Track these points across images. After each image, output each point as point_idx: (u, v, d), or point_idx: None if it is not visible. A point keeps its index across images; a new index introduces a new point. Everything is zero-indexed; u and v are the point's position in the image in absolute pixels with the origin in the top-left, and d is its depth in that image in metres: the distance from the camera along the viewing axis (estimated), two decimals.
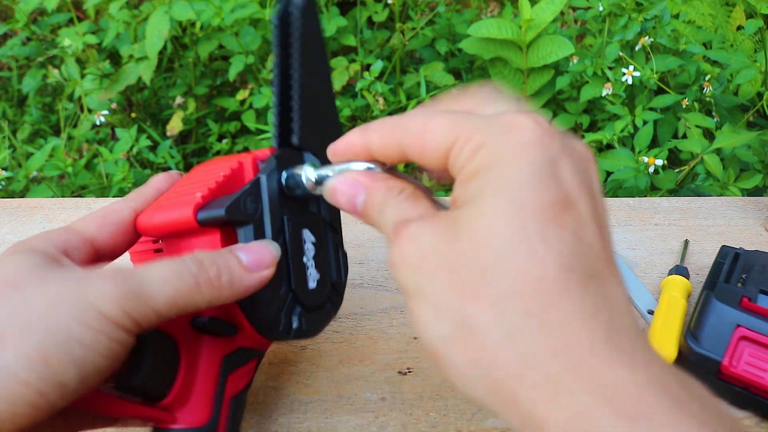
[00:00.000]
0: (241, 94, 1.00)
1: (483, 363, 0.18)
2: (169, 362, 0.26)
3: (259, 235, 0.26)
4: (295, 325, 0.27)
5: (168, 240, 0.28)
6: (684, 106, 0.82)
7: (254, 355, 0.29)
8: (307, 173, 0.26)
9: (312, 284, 0.28)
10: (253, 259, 0.25)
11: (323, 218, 0.29)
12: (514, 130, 0.20)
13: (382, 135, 0.23)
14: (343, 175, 0.24)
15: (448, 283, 0.19)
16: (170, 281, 0.23)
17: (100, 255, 0.27)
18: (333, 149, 0.24)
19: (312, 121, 0.28)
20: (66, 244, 0.25)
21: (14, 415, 0.20)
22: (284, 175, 0.27)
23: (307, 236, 0.28)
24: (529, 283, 0.18)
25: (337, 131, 0.29)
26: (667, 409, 0.16)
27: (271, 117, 0.30)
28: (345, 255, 0.31)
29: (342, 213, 0.28)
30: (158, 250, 0.30)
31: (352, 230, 0.49)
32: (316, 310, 0.28)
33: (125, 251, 0.28)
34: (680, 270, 0.42)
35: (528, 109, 0.21)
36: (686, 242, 0.47)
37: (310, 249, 0.28)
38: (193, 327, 0.27)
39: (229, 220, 0.25)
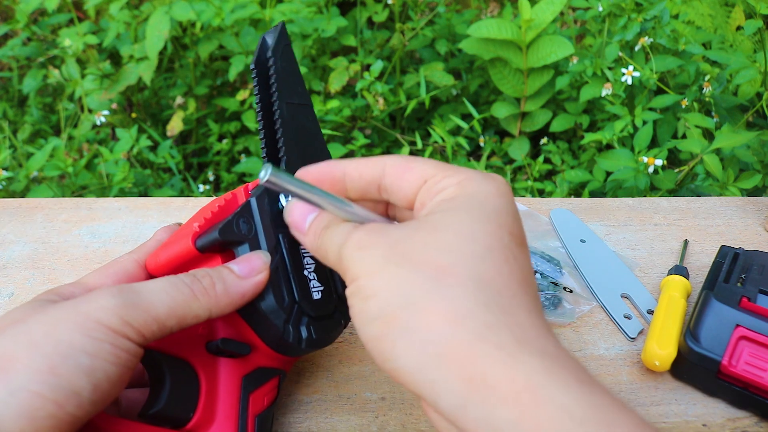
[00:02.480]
0: (242, 94, 1.00)
1: (445, 325, 0.21)
2: (189, 387, 0.27)
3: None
4: (304, 335, 0.28)
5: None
6: (683, 107, 0.82)
7: (275, 374, 0.30)
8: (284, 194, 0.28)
9: (317, 295, 0.29)
10: (245, 267, 0.27)
11: None
12: (491, 178, 0.25)
13: (361, 165, 0.26)
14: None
15: (420, 263, 0.22)
16: (166, 290, 0.25)
17: None
18: (305, 171, 0.27)
19: (298, 148, 0.30)
20: (70, 295, 0.27)
21: (38, 429, 0.21)
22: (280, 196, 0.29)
23: (306, 251, 0.29)
24: (503, 276, 0.22)
25: (326, 155, 0.31)
26: (598, 383, 0.20)
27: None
28: None
29: None
30: None
31: None
32: (324, 320, 0.29)
33: None
34: (680, 270, 0.42)
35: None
36: (686, 242, 0.47)
37: (310, 263, 0.29)
38: (209, 351, 0.28)
39: (225, 241, 0.27)
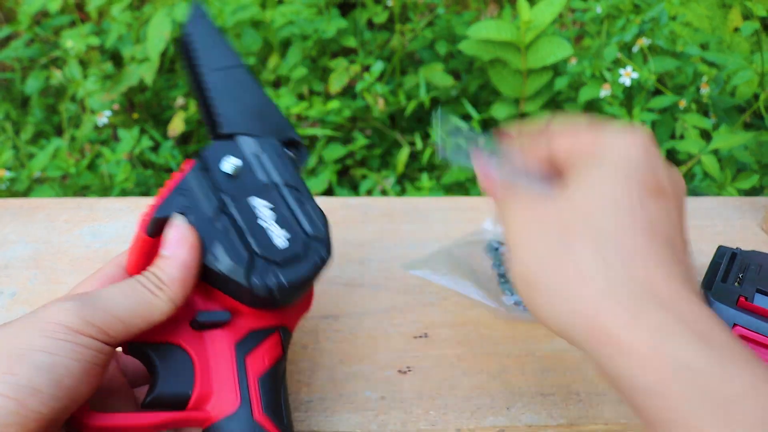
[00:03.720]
0: None
1: (578, 283, 0.23)
2: (180, 367, 0.28)
3: (201, 218, 0.28)
4: (272, 283, 0.28)
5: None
6: (681, 107, 0.82)
7: (269, 333, 0.30)
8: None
9: (281, 242, 0.29)
10: (168, 244, 0.27)
11: (275, 183, 0.30)
12: (629, 131, 0.26)
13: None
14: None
15: (553, 224, 0.25)
16: (123, 292, 0.26)
17: None
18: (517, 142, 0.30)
19: (236, 109, 0.32)
20: None
21: (5, 426, 0.21)
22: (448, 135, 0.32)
23: (258, 203, 0.29)
24: (629, 230, 0.23)
25: (271, 109, 0.33)
26: (728, 337, 0.21)
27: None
28: (317, 208, 0.31)
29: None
30: None
31: (353, 231, 0.49)
32: (295, 263, 0.29)
33: None
34: None
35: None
36: None
37: (266, 213, 0.29)
38: (193, 327, 0.29)
39: (167, 218, 0.27)
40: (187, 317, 0.29)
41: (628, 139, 0.26)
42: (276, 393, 0.29)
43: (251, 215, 0.29)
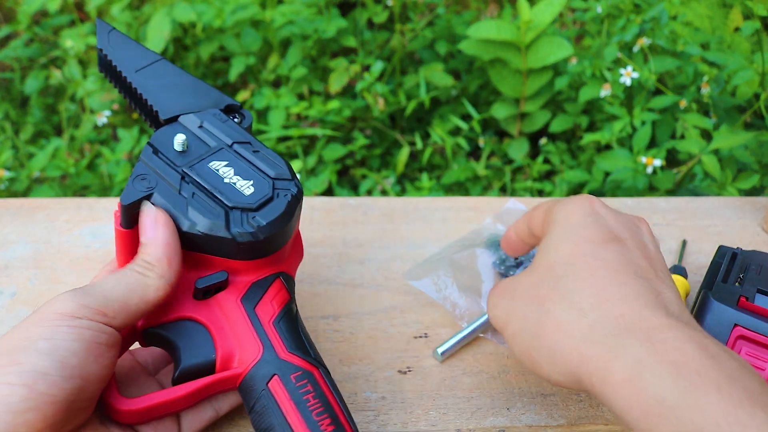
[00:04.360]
0: (242, 95, 1.00)
1: (560, 337, 0.25)
2: (198, 337, 0.29)
3: (168, 193, 0.30)
4: (252, 228, 0.29)
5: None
6: (682, 107, 0.82)
7: (271, 281, 0.31)
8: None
9: (247, 191, 0.30)
10: (144, 229, 0.28)
11: (225, 143, 0.32)
12: (572, 199, 0.31)
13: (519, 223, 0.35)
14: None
15: (529, 298, 0.28)
16: (116, 278, 0.27)
17: None
18: (505, 244, 0.37)
19: (168, 96, 0.34)
20: None
21: (16, 415, 0.21)
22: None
23: (217, 164, 0.31)
24: (589, 279, 0.26)
25: (202, 86, 0.35)
26: (702, 359, 0.22)
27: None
28: (273, 154, 0.32)
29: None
30: None
31: (353, 231, 0.49)
32: (268, 204, 0.30)
33: None
34: (678, 270, 0.42)
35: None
36: (684, 242, 0.47)
37: (226, 171, 0.31)
38: (197, 298, 0.30)
39: (135, 203, 0.29)
40: (189, 290, 0.30)
41: (570, 206, 0.30)
42: (295, 331, 0.30)
43: (214, 176, 0.31)
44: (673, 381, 0.21)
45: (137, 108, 0.35)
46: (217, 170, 0.31)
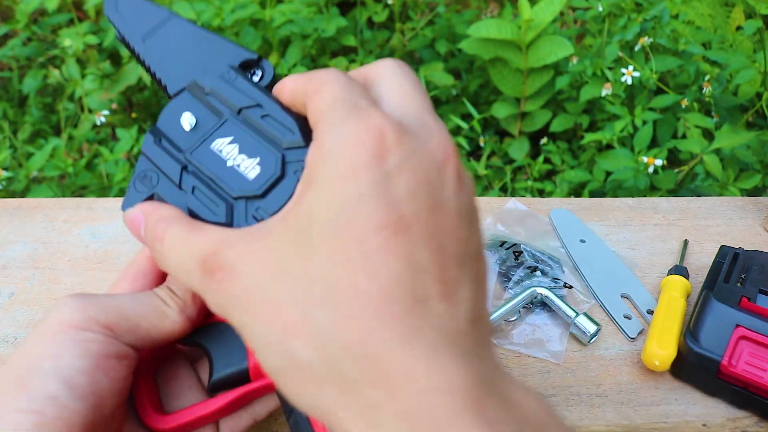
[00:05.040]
0: None
1: (312, 393, 0.18)
2: (230, 343, 0.27)
3: (169, 191, 0.27)
4: (251, 221, 0.25)
5: None
6: (683, 107, 0.82)
7: None
8: None
9: (252, 173, 0.26)
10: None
11: (231, 113, 0.27)
12: (355, 136, 0.19)
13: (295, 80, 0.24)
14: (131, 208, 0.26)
15: (271, 320, 0.19)
16: (135, 296, 0.25)
17: None
18: (280, 88, 0.25)
19: (175, 65, 0.30)
20: None
21: None
22: None
23: (221, 142, 0.27)
24: (349, 316, 0.17)
25: (214, 42, 0.30)
26: (476, 429, 0.16)
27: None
28: (286, 116, 0.27)
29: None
30: None
31: None
32: (276, 186, 0.25)
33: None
34: (680, 270, 0.42)
35: (380, 110, 0.20)
36: (686, 242, 0.47)
37: (230, 150, 0.27)
38: None
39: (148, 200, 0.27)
40: None
41: (346, 140, 0.19)
42: None
43: (216, 160, 0.26)
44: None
45: (154, 80, 0.32)
46: (220, 151, 0.26)
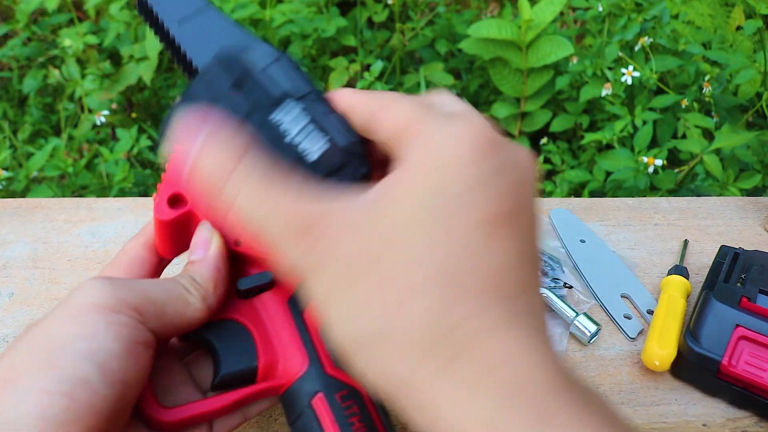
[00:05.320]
0: None
1: (405, 363, 0.19)
2: (240, 341, 0.26)
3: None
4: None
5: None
6: (683, 107, 0.82)
7: None
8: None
9: (314, 156, 0.24)
10: (197, 248, 0.26)
11: (289, 93, 0.26)
12: (461, 133, 0.20)
13: (361, 100, 0.24)
14: None
15: (381, 285, 0.19)
16: (159, 282, 0.25)
17: None
18: (339, 97, 0.25)
19: (209, 47, 0.29)
20: None
21: (56, 428, 0.19)
22: None
23: (282, 116, 0.25)
24: (460, 296, 0.18)
25: (242, 36, 0.29)
26: (569, 407, 0.18)
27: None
28: (343, 120, 0.26)
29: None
30: None
31: None
32: (335, 173, 0.24)
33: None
34: (680, 270, 0.42)
35: (479, 115, 0.22)
36: (686, 242, 0.47)
37: (290, 128, 0.25)
38: (240, 298, 0.27)
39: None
40: (232, 290, 0.27)
41: (455, 133, 0.20)
42: None
43: (278, 135, 0.25)
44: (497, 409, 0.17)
45: (176, 61, 0.31)
46: (281, 125, 0.25)
